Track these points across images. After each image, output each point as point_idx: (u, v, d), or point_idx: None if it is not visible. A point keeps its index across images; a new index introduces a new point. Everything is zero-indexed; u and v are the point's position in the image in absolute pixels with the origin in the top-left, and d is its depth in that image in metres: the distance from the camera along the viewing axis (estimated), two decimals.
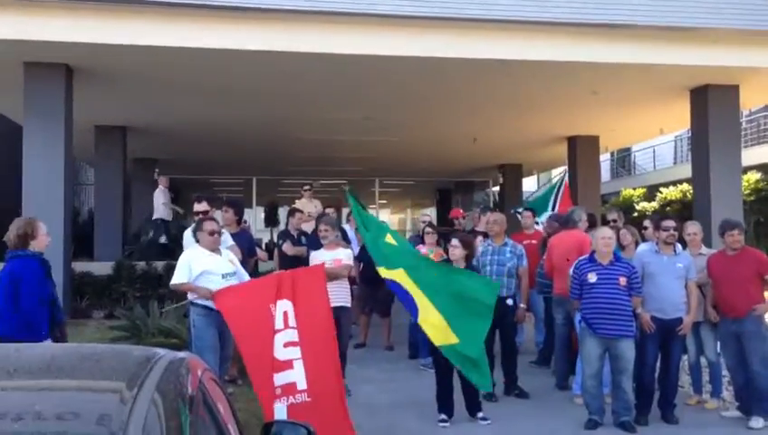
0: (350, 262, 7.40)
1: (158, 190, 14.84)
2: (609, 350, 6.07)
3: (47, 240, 5.22)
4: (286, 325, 5.37)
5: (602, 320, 6.00)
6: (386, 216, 27.67)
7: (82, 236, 14.96)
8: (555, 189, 10.54)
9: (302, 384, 5.21)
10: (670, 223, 6.50)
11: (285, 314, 5.39)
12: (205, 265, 6.04)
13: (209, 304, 6.02)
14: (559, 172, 23.60)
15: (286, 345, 5.35)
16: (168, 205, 14.63)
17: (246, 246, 7.21)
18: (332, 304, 5.84)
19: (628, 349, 6.03)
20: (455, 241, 6.69)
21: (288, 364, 5.32)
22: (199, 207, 7.00)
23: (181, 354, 2.23)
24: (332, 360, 5.37)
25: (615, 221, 7.96)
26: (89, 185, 21.17)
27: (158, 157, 18.50)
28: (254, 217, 22.97)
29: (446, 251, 7.87)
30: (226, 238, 6.70)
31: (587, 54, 9.58)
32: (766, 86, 11.18)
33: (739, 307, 6.23)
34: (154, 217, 14.32)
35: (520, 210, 10.02)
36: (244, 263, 6.69)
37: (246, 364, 5.56)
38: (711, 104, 10.80)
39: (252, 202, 22.88)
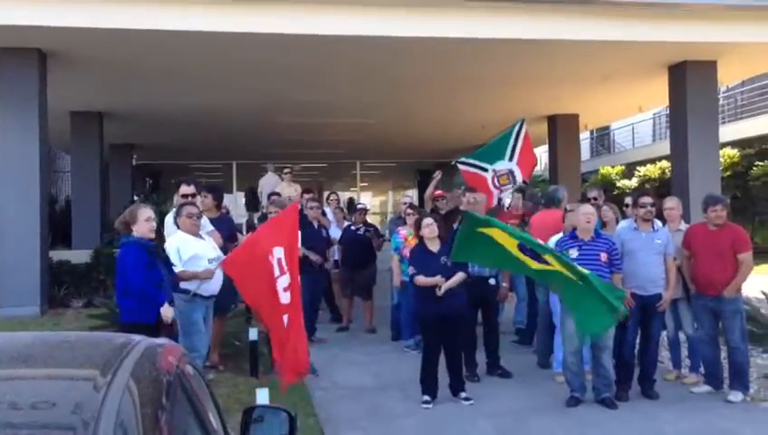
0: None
1: (268, 175, 14.45)
2: None
3: (148, 226, 5.32)
4: (282, 271, 5.76)
5: None
6: (367, 198, 27.57)
7: (60, 225, 14.77)
8: (513, 136, 9.16)
9: (286, 323, 5.73)
10: (647, 199, 6.52)
11: (280, 260, 5.79)
12: (193, 250, 6.06)
13: (193, 288, 6.02)
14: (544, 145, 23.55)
15: (285, 290, 5.78)
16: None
17: (226, 232, 7.15)
18: None
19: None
20: (428, 220, 6.60)
21: (287, 308, 5.81)
22: (187, 189, 6.88)
23: (159, 341, 2.19)
24: (299, 296, 5.89)
25: (596, 199, 7.97)
26: (66, 172, 20.90)
27: (135, 142, 18.31)
28: (235, 202, 22.79)
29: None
30: (206, 224, 6.65)
31: (566, 32, 9.55)
32: (743, 61, 11.24)
33: (718, 283, 6.26)
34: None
35: (463, 160, 9.41)
36: (224, 249, 6.64)
37: (266, 325, 5.99)
38: (689, 80, 10.84)
39: (232, 187, 22.73)
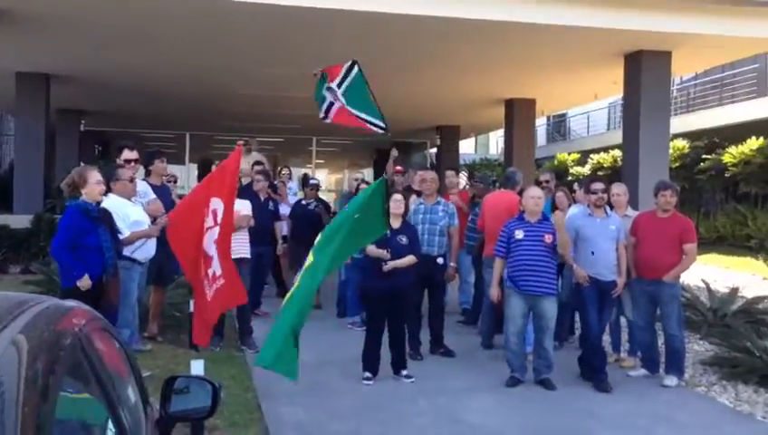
0: (249, 213, 7.28)
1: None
2: (533, 308, 6.13)
3: (99, 188, 5.15)
4: (215, 223, 5.77)
5: (527, 276, 6.04)
6: (323, 175, 27.38)
7: (4, 189, 14.29)
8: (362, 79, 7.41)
9: (218, 271, 5.84)
10: (599, 186, 6.48)
11: (215, 212, 5.79)
12: (135, 216, 5.89)
13: (134, 255, 5.88)
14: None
15: (215, 242, 5.83)
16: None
17: (168, 200, 6.96)
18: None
19: (550, 307, 6.10)
20: (398, 196, 6.56)
21: (212, 259, 5.86)
22: (131, 154, 6.66)
23: (69, 303, 2.08)
24: (228, 240, 5.99)
25: (547, 182, 8.04)
26: (11, 136, 20.23)
27: (84, 108, 17.77)
28: (188, 174, 22.39)
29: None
30: (148, 191, 6.47)
31: (524, 16, 9.50)
32: (697, 53, 11.34)
33: (660, 269, 6.34)
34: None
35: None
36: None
37: (189, 280, 6.03)
38: (644, 70, 10.90)
39: (185, 158, 22.30)
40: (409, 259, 6.28)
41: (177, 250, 6.10)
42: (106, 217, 5.30)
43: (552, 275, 6.12)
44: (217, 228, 5.82)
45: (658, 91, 11.10)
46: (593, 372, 6.28)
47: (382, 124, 8.01)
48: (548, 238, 6.06)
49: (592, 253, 6.27)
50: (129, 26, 10.38)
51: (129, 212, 5.80)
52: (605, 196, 6.49)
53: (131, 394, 2.30)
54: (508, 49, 11.20)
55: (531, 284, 6.01)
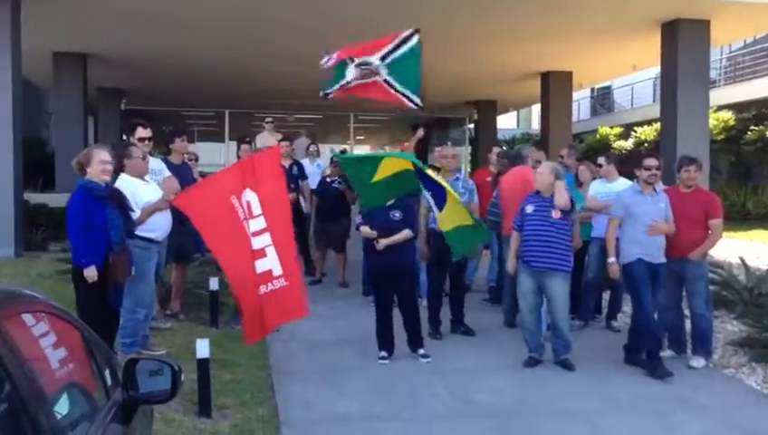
0: None
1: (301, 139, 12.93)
2: (543, 287, 5.96)
3: (101, 168, 5.19)
4: (251, 214, 5.48)
5: (535, 252, 5.88)
6: (364, 151, 27.32)
7: (49, 167, 14.60)
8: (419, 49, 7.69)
9: (277, 270, 5.38)
10: (653, 162, 6.14)
11: (249, 203, 5.49)
12: (147, 196, 5.89)
13: (150, 235, 5.90)
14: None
15: (255, 235, 5.48)
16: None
17: (188, 180, 6.97)
18: None
19: (559, 286, 5.89)
20: None
21: (260, 253, 5.46)
22: (145, 132, 6.64)
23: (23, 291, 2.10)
24: (291, 240, 5.65)
25: (562, 157, 7.90)
26: None
27: (124, 87, 18.03)
28: (227, 152, 22.59)
29: None
30: (162, 169, 6.50)
31: None
32: (737, 22, 10.90)
33: (685, 247, 6.10)
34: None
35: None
36: None
37: (221, 265, 5.68)
38: (681, 39, 10.52)
39: (224, 136, 22.50)
40: (404, 234, 6.11)
41: (209, 243, 5.71)
42: (116, 196, 5.32)
43: (563, 252, 5.88)
44: (261, 219, 5.48)
45: (696, 61, 10.71)
46: (647, 358, 5.99)
47: (418, 101, 7.97)
48: (555, 214, 5.86)
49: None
50: (163, 8, 10.43)
51: (141, 192, 5.82)
52: (659, 172, 6.17)
53: (86, 378, 2.33)
54: (542, 18, 10.91)
55: (538, 259, 5.85)
